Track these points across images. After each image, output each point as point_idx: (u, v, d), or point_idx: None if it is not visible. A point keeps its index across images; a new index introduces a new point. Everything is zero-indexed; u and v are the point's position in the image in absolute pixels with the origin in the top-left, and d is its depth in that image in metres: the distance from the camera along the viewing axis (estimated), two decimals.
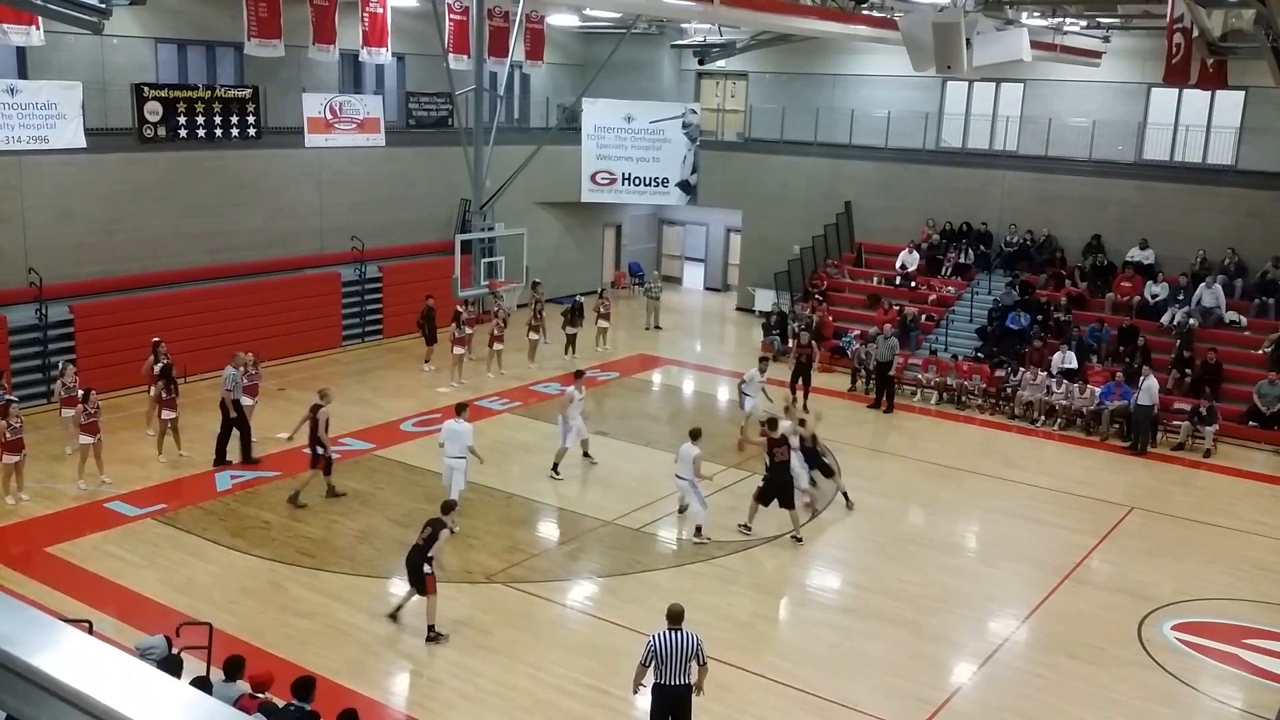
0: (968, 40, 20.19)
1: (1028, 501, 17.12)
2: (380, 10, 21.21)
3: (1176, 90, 24.02)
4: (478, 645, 11.83)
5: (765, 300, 29.05)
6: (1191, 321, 23.10)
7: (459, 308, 22.11)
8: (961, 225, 27.60)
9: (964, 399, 22.44)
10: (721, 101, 32.55)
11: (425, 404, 20.47)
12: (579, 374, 18.12)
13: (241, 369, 17.27)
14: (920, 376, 22.92)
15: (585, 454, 17.72)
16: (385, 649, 11.79)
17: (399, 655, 11.70)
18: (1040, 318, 24.12)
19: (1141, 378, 20.28)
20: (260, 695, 8.61)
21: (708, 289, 34.25)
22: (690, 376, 24.66)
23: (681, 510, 15.51)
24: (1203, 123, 25.77)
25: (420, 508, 15.49)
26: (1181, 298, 23.86)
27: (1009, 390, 21.97)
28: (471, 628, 12.16)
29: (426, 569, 11.74)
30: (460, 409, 15.58)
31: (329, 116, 22.63)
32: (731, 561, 14.27)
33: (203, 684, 8.49)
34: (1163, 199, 25.40)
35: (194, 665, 9.81)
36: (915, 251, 27.37)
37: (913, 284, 26.71)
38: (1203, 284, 23.73)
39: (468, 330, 22.21)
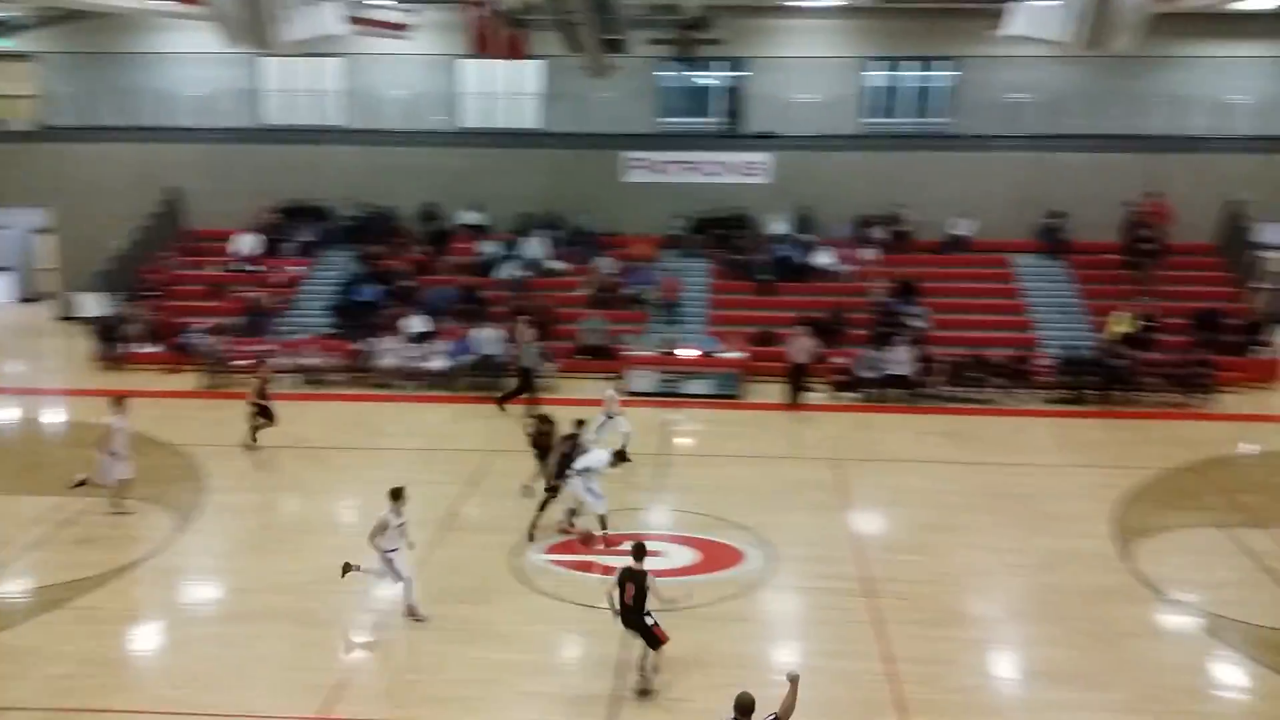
0: (277, 15, 19.78)
1: (401, 464, 17.37)
2: None
3: (484, 61, 25.69)
4: None
5: (94, 305, 26.22)
6: (523, 274, 25.07)
7: None
8: (299, 203, 27.24)
9: (324, 376, 22.23)
10: (6, 87, 28.69)
11: None
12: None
13: None
14: (276, 362, 22.26)
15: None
16: None
17: None
18: (388, 286, 24.63)
19: (482, 329, 21.89)
20: None
21: (24, 300, 30.14)
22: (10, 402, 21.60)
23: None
24: (511, 90, 27.92)
25: None
26: (513, 253, 25.77)
27: (368, 361, 22.21)
28: None
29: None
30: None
31: None
32: (93, 599, 12.74)
33: None
34: (483, 163, 27.15)
35: None
36: (254, 234, 26.46)
37: (255, 268, 25.81)
38: (527, 238, 25.85)
39: None
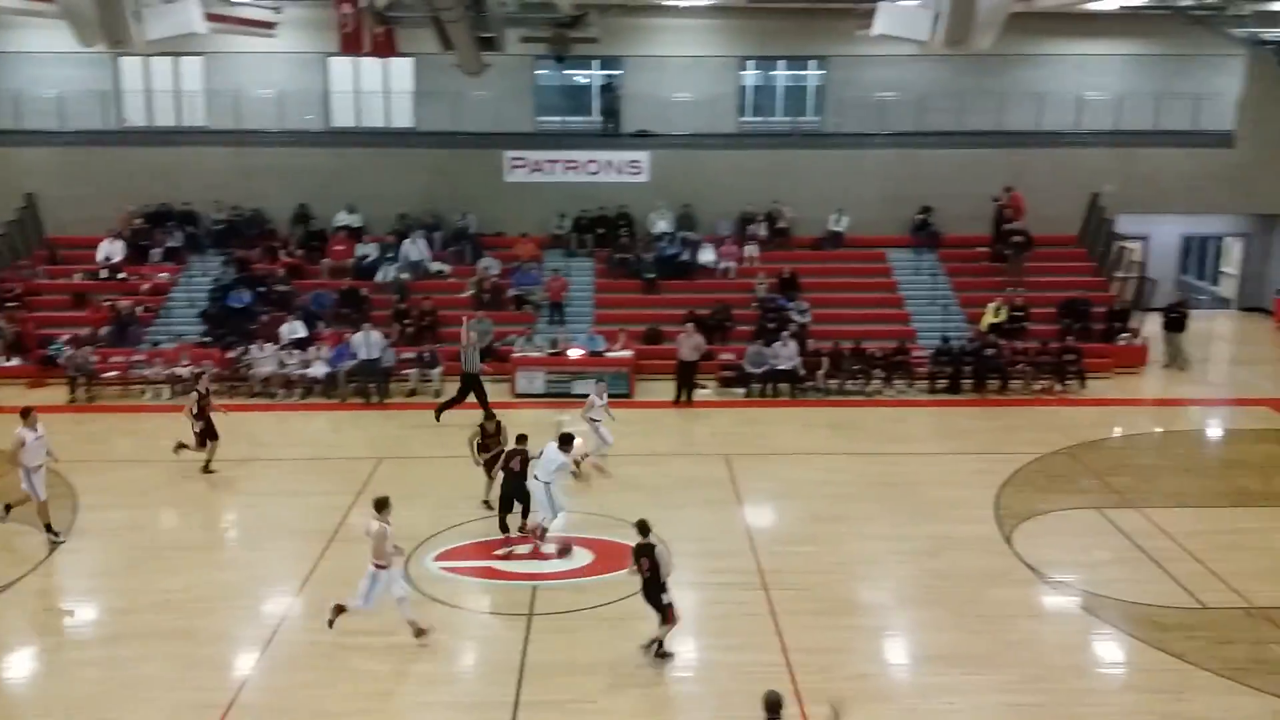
0: (133, 13, 18.99)
1: (282, 476, 16.98)
2: None
3: (354, 58, 25.14)
4: None
5: None
6: (404, 276, 24.63)
7: None
8: (165, 207, 26.27)
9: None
10: None
11: None
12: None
13: None
14: (147, 373, 21.44)
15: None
16: None
17: None
18: (262, 291, 23.92)
19: (362, 333, 21.42)
20: None
21: None
22: None
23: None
24: (381, 88, 27.41)
25: None
26: (392, 255, 25.29)
27: (243, 370, 21.53)
28: None
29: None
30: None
31: None
32: None
33: None
34: (356, 163, 26.55)
35: None
36: (118, 240, 25.38)
37: (121, 275, 24.76)
38: (407, 240, 25.40)
39: None
